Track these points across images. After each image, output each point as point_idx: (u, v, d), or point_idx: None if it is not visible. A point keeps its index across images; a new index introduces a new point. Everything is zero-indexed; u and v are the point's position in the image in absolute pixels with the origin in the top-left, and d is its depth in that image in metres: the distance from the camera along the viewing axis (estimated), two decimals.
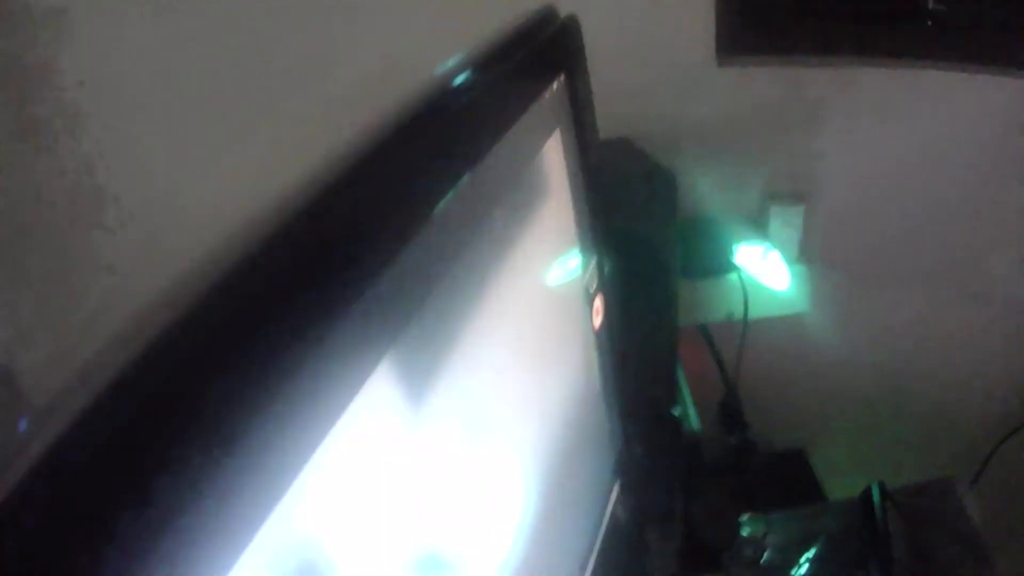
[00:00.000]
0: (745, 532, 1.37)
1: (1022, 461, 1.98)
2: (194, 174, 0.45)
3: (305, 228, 0.49)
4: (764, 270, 1.58)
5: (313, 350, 0.45)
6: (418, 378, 0.58)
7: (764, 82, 1.53)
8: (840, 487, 1.71)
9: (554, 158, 0.87)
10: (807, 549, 1.45)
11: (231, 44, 0.49)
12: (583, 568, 1.01)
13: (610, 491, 1.13)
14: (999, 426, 1.94)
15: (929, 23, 1.55)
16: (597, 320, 1.02)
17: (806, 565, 1.43)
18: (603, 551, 1.06)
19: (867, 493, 1.50)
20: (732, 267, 1.58)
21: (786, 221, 1.62)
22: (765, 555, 1.31)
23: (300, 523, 0.45)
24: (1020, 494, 2.02)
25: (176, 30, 0.44)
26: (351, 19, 0.60)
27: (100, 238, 0.38)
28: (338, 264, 0.49)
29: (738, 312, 1.61)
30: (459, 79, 0.67)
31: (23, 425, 0.34)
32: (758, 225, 1.64)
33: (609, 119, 1.33)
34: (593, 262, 0.99)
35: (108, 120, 0.39)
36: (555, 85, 0.83)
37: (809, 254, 1.66)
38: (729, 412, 1.65)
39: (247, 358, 0.41)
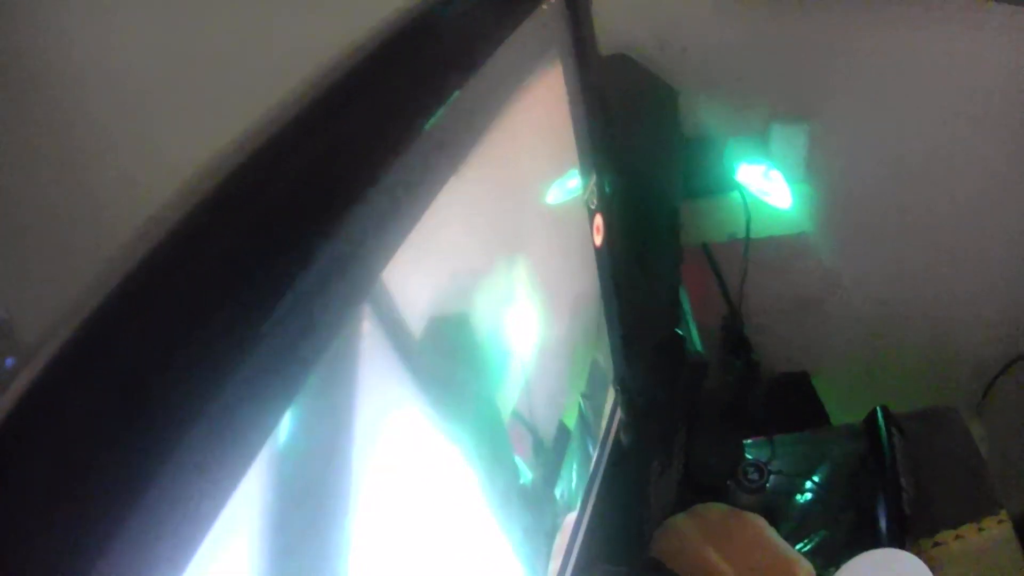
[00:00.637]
0: (749, 457, 1.37)
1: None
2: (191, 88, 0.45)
3: (292, 144, 0.47)
4: (767, 189, 1.57)
5: (300, 272, 0.43)
6: (413, 297, 0.57)
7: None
8: (844, 412, 1.71)
9: (552, 73, 0.85)
10: (812, 474, 1.47)
11: None
12: (589, 488, 1.02)
13: (614, 412, 1.13)
14: (1002, 355, 1.96)
15: None
16: (598, 238, 1.01)
17: (811, 491, 1.44)
18: (606, 473, 1.07)
19: (872, 417, 1.51)
20: (734, 186, 1.57)
21: (789, 140, 1.60)
22: (770, 479, 1.32)
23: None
24: (1021, 423, 2.04)
25: None
26: None
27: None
28: (327, 180, 0.48)
29: (740, 232, 1.60)
30: None
31: (10, 362, 0.34)
32: (761, 144, 1.63)
33: (610, 35, 1.31)
34: (593, 180, 0.98)
35: None
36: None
37: (813, 174, 1.65)
38: (732, 334, 1.65)
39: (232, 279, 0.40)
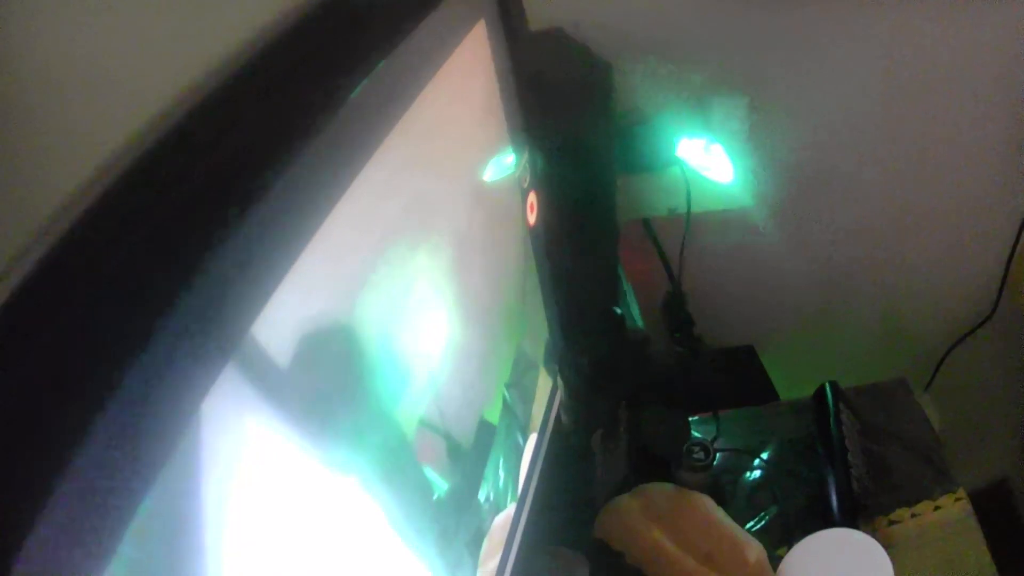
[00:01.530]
0: (695, 435, 1.38)
1: (974, 366, 2.04)
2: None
3: (216, 115, 0.49)
4: (708, 163, 1.58)
5: (232, 243, 0.44)
6: (341, 271, 0.58)
7: None
8: (793, 387, 1.73)
9: (478, 47, 0.85)
10: (759, 451, 1.48)
11: None
12: (529, 476, 1.02)
13: (553, 395, 1.13)
14: (951, 331, 1.99)
15: None
16: (532, 217, 1.01)
17: (759, 468, 1.46)
18: (548, 458, 1.07)
19: (820, 393, 1.52)
20: (674, 160, 1.57)
21: (729, 113, 1.61)
22: (716, 458, 1.32)
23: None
24: (972, 399, 2.07)
25: None
26: None
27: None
28: (253, 152, 0.48)
29: (681, 207, 1.60)
30: None
31: None
32: (702, 117, 1.63)
33: (544, 8, 1.31)
34: (526, 158, 0.98)
35: None
36: None
37: (754, 146, 1.66)
38: (673, 309, 1.66)
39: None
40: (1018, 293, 1.89)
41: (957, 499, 1.39)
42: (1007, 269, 1.85)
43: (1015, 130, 1.68)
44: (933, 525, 1.37)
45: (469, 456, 0.86)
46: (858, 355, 1.99)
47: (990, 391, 2.10)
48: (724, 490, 1.42)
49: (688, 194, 1.59)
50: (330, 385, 0.58)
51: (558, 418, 1.13)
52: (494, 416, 0.93)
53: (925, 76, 1.59)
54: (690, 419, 1.49)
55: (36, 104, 0.41)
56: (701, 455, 1.29)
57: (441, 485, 0.78)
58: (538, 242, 1.04)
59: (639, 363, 1.39)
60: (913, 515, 1.38)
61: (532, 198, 1.00)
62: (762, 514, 1.39)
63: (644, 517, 1.24)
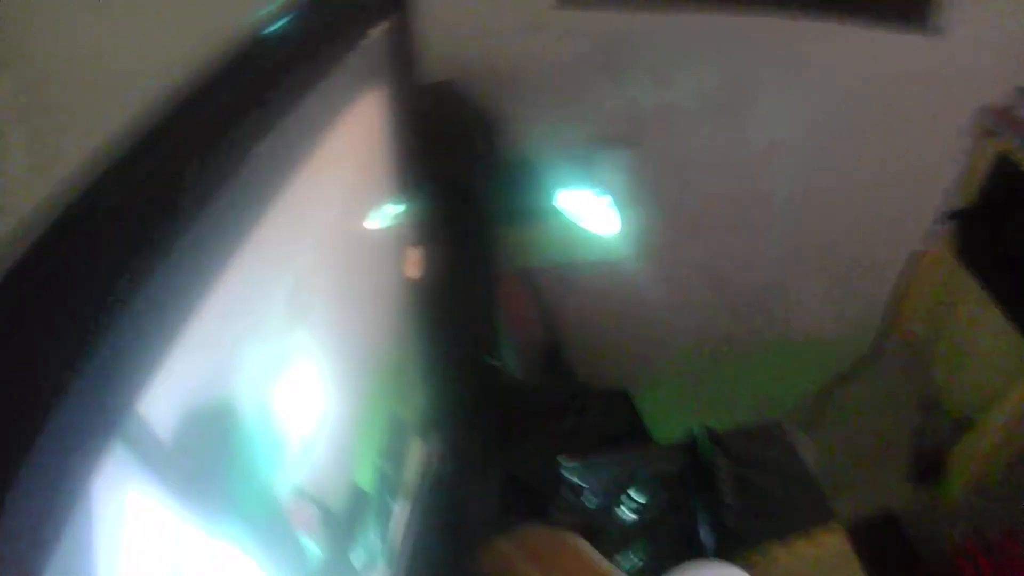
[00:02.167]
0: (565, 477, 1.41)
1: (854, 406, 2.09)
2: None
3: (120, 175, 0.49)
4: (588, 214, 1.62)
5: (131, 301, 0.45)
6: (222, 345, 0.59)
7: (599, 24, 1.56)
8: (672, 429, 1.75)
9: (373, 105, 0.89)
10: (630, 493, 1.48)
11: None
12: (402, 521, 1.05)
13: (426, 442, 1.16)
14: (829, 371, 2.04)
15: None
16: (412, 269, 1.04)
17: (632, 509, 1.47)
18: (421, 503, 1.10)
19: (691, 435, 1.54)
20: (555, 211, 1.62)
21: (614, 164, 1.65)
22: (587, 500, 1.35)
23: None
24: (854, 438, 2.11)
25: None
26: None
27: None
28: (153, 211, 0.50)
29: (560, 257, 1.65)
30: (276, 26, 0.68)
31: None
32: (586, 169, 1.67)
33: (442, 59, 1.35)
34: (409, 209, 1.02)
35: None
36: (378, 32, 0.85)
37: (637, 198, 1.71)
38: (549, 355, 1.69)
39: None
40: (901, 328, 1.95)
41: (832, 532, 1.42)
42: (889, 306, 1.92)
43: (909, 165, 1.75)
44: (810, 558, 1.40)
45: (343, 522, 0.87)
46: (736, 395, 2.00)
47: (872, 427, 2.12)
48: (598, 530, 1.43)
49: (567, 245, 1.63)
50: (210, 459, 0.59)
51: (432, 467, 1.16)
52: (366, 482, 0.94)
53: (815, 112, 1.68)
54: (563, 461, 1.50)
55: None
56: (571, 497, 1.32)
57: (316, 553, 0.79)
58: (418, 293, 1.07)
59: (511, 409, 1.41)
60: (788, 549, 1.41)
61: (414, 250, 1.04)
62: (636, 551, 1.41)
63: (521, 559, 1.26)
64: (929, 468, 1.98)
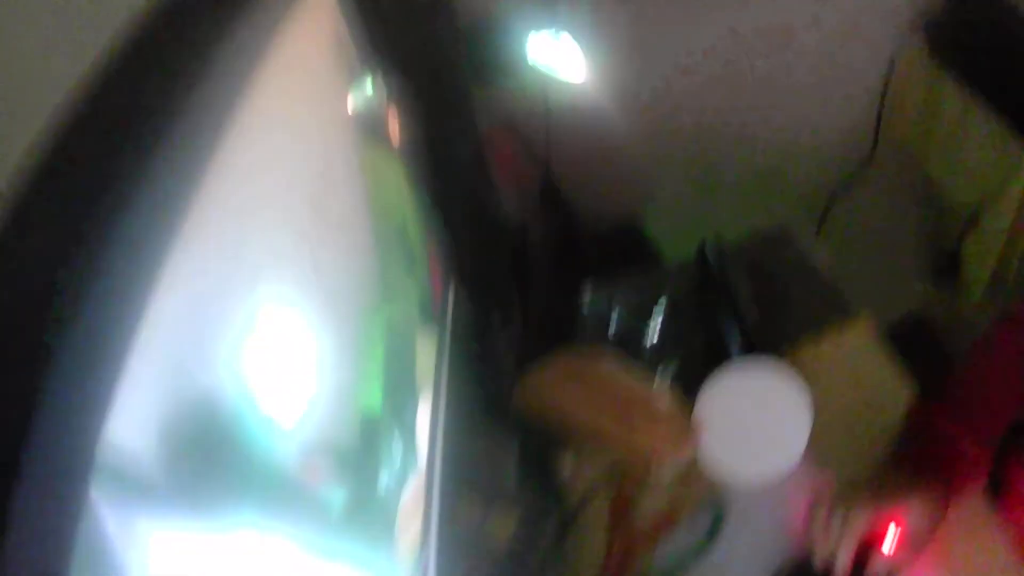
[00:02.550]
0: (588, 305, 1.46)
1: (863, 207, 2.10)
2: None
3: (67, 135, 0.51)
4: (560, 58, 1.63)
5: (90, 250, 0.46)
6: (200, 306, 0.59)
7: None
8: (682, 247, 1.74)
9: None
10: (652, 314, 1.53)
11: None
12: (438, 368, 1.09)
13: (448, 292, 1.20)
14: (836, 172, 2.05)
15: None
16: (396, 137, 1.07)
17: (656, 331, 1.52)
18: (451, 350, 1.14)
19: (701, 249, 1.57)
20: (528, 61, 1.62)
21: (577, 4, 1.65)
22: (612, 325, 1.40)
23: None
24: (864, 244, 2.12)
25: None
26: None
27: None
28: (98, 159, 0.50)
29: (541, 104, 1.68)
30: None
31: None
32: (550, 13, 1.65)
33: None
34: (379, 79, 1.03)
35: None
36: None
37: (603, 34, 1.70)
38: (546, 191, 1.73)
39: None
40: (894, 128, 1.95)
41: (859, 325, 1.46)
42: (881, 107, 1.92)
43: None
44: (839, 352, 1.43)
45: (363, 451, 0.86)
46: (743, 205, 1.96)
47: (880, 232, 2.14)
48: (627, 355, 1.45)
49: (546, 93, 1.66)
50: (205, 443, 0.58)
51: (454, 311, 1.19)
52: (377, 398, 0.94)
53: None
54: (586, 292, 1.55)
55: None
56: (596, 323, 1.37)
57: (346, 496, 0.80)
58: (409, 158, 1.09)
59: (522, 251, 1.45)
60: (813, 347, 1.44)
61: (393, 120, 1.06)
62: (663, 372, 1.45)
63: (560, 382, 1.31)
64: (945, 267, 2.01)
